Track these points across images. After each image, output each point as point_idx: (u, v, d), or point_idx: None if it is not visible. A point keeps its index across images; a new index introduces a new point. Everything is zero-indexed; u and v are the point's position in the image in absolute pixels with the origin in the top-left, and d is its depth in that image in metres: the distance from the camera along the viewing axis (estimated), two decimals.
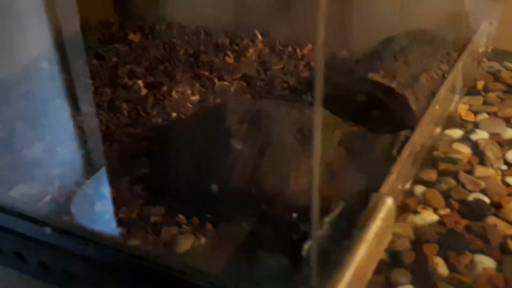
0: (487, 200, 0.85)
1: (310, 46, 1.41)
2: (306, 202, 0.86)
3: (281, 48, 1.42)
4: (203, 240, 0.85)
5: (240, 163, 0.92)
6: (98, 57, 1.37)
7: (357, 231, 0.68)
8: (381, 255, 0.73)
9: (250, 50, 1.41)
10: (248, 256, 0.76)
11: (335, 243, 0.68)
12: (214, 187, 0.90)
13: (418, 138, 0.88)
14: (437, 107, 0.94)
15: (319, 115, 0.61)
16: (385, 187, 0.76)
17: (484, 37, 1.15)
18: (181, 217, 0.90)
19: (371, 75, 1.09)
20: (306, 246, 0.69)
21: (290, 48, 1.41)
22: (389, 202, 0.74)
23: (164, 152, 1.00)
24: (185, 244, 0.84)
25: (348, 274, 0.64)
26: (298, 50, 1.41)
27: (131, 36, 1.47)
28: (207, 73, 1.32)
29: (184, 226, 0.89)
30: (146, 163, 1.02)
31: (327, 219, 0.73)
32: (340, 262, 0.64)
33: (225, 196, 0.91)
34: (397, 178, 0.81)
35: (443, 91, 0.96)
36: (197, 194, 0.92)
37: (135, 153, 1.05)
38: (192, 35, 1.48)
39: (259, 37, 1.45)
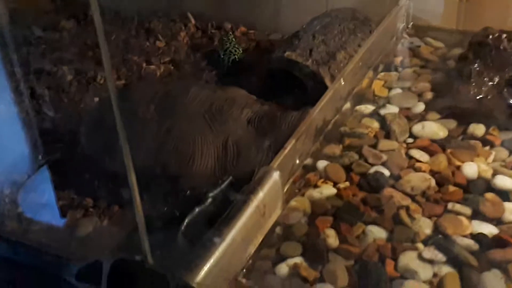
0: (387, 172, 0.86)
1: (242, 28, 1.42)
2: (210, 180, 0.87)
3: (213, 31, 1.42)
4: (105, 222, 0.85)
5: (147, 145, 0.92)
6: (28, 45, 1.37)
7: (236, 204, 0.68)
8: (267, 228, 0.74)
9: (182, 34, 1.40)
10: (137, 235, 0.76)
11: (218, 216, 0.68)
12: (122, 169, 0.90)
13: (319, 115, 0.88)
14: (342, 83, 0.94)
15: None
16: (275, 162, 0.77)
17: (403, 13, 1.15)
18: (88, 200, 0.90)
19: (287, 54, 1.10)
20: (185, 220, 0.70)
21: (222, 31, 1.42)
22: (275, 175, 0.74)
23: (76, 137, 1.00)
24: (87, 226, 0.85)
25: (222, 247, 0.64)
26: (230, 32, 1.41)
27: (63, 23, 1.46)
28: (135, 58, 1.32)
29: (91, 209, 0.89)
30: (60, 149, 1.02)
31: (211, 194, 0.74)
32: (213, 235, 0.64)
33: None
34: (293, 153, 0.81)
35: (349, 68, 0.96)
36: (105, 177, 0.93)
37: (52, 138, 1.05)
38: (125, 21, 1.47)
39: (192, 20, 1.45)
